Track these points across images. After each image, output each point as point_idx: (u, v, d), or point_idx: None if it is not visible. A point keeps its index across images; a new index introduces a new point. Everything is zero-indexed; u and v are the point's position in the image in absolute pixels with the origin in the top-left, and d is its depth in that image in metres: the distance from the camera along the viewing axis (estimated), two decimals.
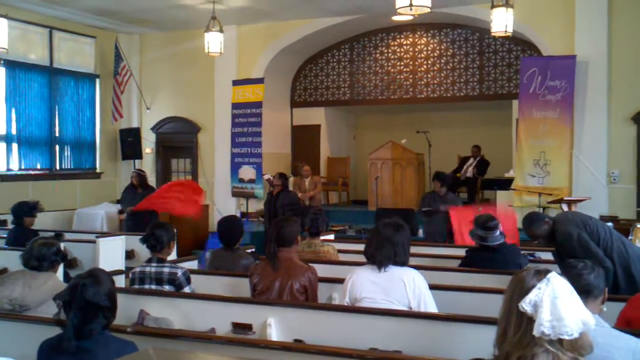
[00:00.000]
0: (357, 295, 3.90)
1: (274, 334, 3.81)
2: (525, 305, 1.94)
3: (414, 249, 4.25)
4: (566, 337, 1.89)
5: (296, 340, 3.69)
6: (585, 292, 2.70)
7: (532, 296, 1.94)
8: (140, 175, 10.04)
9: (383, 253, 3.86)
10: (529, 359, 1.92)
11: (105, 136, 13.15)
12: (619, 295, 4.27)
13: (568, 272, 2.80)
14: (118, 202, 11.36)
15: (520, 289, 1.99)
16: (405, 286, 3.80)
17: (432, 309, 3.83)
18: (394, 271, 3.87)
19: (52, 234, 5.32)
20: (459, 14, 11.36)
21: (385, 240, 3.89)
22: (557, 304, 1.91)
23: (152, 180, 13.63)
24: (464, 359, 3.06)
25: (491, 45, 12.43)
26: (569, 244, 4.91)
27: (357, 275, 3.96)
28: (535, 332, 1.91)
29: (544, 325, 1.89)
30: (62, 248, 4.44)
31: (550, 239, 5.11)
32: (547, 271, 2.01)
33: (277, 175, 9.79)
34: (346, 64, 13.68)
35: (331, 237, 7.49)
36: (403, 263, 3.93)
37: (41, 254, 4.22)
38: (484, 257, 5.17)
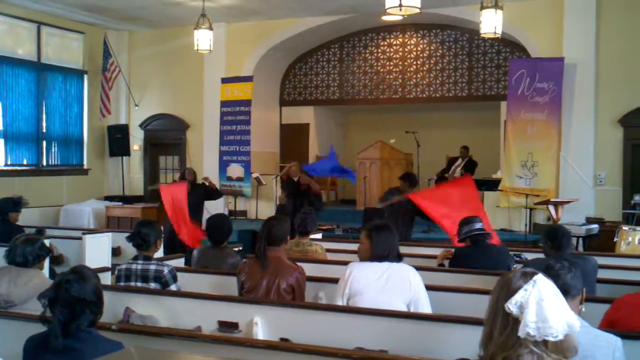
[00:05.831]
0: (356, 289, 3.91)
1: (260, 333, 3.81)
2: (511, 306, 1.95)
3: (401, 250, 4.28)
4: (551, 339, 1.91)
5: (282, 339, 3.69)
6: (563, 291, 2.74)
7: (518, 297, 1.96)
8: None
9: (394, 251, 3.99)
10: None
11: (92, 132, 13.08)
12: (599, 297, 4.30)
13: (547, 273, 2.84)
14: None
15: (507, 290, 2.00)
16: (404, 284, 3.84)
17: (427, 309, 3.86)
18: (394, 269, 3.92)
19: (34, 230, 5.30)
20: (449, 14, 11.39)
21: (390, 239, 4.01)
22: (542, 305, 1.92)
23: (139, 177, 13.61)
24: (449, 359, 3.08)
25: (480, 46, 12.47)
26: None
27: (358, 270, 3.97)
28: (521, 333, 1.92)
29: (529, 326, 1.91)
30: (46, 243, 4.43)
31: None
32: (534, 273, 2.03)
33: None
34: (336, 63, 13.68)
35: (319, 235, 7.49)
36: (401, 257, 4.04)
37: (25, 249, 4.21)
38: (473, 257, 5.19)
